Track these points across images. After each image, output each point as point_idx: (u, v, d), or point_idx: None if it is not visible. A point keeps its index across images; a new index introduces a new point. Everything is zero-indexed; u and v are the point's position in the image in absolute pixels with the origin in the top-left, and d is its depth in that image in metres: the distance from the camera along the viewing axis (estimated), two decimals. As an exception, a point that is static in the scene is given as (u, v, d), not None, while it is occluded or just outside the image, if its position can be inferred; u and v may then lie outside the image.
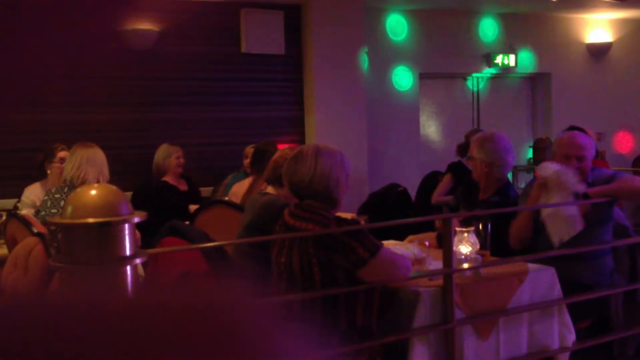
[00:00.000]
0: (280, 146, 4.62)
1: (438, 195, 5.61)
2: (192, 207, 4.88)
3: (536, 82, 8.68)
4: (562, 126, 6.36)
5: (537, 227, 3.49)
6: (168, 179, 5.50)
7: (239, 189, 4.66)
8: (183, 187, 5.56)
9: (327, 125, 6.68)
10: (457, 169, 5.73)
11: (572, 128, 5.51)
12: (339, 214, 2.75)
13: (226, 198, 4.77)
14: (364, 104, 6.89)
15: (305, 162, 2.71)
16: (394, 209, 5.48)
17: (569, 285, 3.22)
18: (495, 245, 3.30)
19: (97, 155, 4.03)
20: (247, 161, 5.50)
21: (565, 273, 3.23)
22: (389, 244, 3.46)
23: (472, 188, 3.85)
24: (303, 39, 6.74)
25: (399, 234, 3.76)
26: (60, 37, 5.65)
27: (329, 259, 2.58)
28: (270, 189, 3.49)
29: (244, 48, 6.43)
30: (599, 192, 3.39)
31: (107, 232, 1.97)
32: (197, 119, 6.31)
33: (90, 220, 1.94)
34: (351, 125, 6.76)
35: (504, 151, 3.67)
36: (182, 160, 5.55)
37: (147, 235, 3.42)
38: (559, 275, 3.13)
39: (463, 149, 5.68)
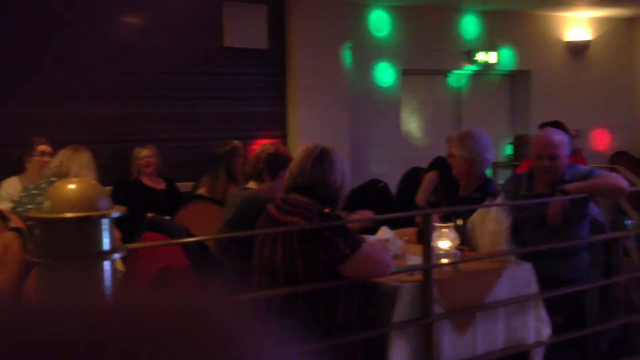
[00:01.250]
0: (261, 141, 4.65)
1: (424, 193, 5.57)
2: None
3: (516, 79, 8.74)
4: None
5: (517, 225, 3.53)
6: (143, 177, 5.46)
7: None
8: (160, 186, 5.52)
9: (309, 121, 6.68)
10: (441, 165, 5.76)
11: (554, 123, 5.59)
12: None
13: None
14: (346, 100, 6.90)
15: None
16: (375, 205, 5.49)
17: (546, 281, 3.26)
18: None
19: (88, 159, 4.05)
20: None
21: (542, 269, 3.27)
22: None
23: (452, 185, 3.88)
24: (286, 34, 6.72)
25: (380, 230, 3.78)
26: (37, 29, 5.59)
27: (312, 253, 2.59)
28: (251, 184, 3.49)
29: (226, 42, 6.40)
30: (576, 188, 3.43)
31: (86, 227, 1.96)
32: (178, 114, 6.27)
33: (69, 214, 1.93)
34: (333, 121, 6.77)
35: (484, 148, 3.72)
36: (151, 159, 5.46)
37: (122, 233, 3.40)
38: (536, 271, 3.17)
39: None
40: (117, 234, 3.56)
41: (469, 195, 3.71)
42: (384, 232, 3.17)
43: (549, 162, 3.52)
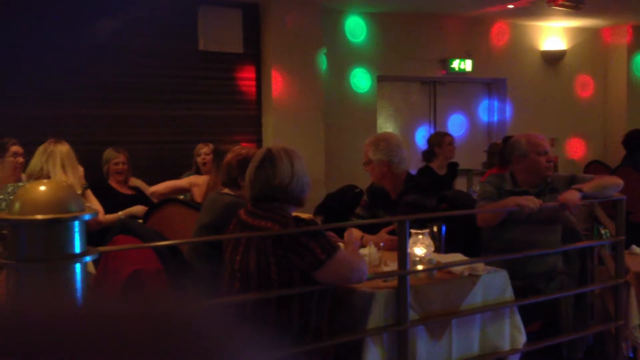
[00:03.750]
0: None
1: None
2: None
3: (492, 87, 8.80)
4: (516, 131, 6.45)
5: (495, 227, 3.58)
6: (111, 181, 5.38)
7: (199, 180, 4.67)
8: (127, 190, 5.43)
9: (284, 126, 6.67)
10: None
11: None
12: (295, 214, 2.73)
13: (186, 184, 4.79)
14: (321, 105, 6.89)
15: (282, 166, 2.69)
16: (350, 210, 5.47)
17: (521, 277, 3.32)
18: (449, 244, 3.34)
19: (69, 151, 4.05)
20: (200, 159, 5.52)
21: (520, 264, 3.36)
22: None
23: (380, 193, 3.87)
24: (261, 39, 6.70)
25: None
26: (10, 30, 5.51)
27: (287, 258, 2.56)
28: (226, 190, 3.44)
29: (201, 45, 6.36)
30: (589, 188, 3.51)
31: (57, 229, 1.91)
32: (152, 116, 6.22)
33: (39, 216, 1.88)
34: (309, 126, 6.76)
35: (398, 147, 3.77)
36: (121, 166, 5.36)
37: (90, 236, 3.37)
38: (514, 267, 3.21)
39: (427, 154, 5.92)
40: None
41: (405, 191, 3.69)
42: (368, 249, 3.12)
43: (550, 158, 3.64)
